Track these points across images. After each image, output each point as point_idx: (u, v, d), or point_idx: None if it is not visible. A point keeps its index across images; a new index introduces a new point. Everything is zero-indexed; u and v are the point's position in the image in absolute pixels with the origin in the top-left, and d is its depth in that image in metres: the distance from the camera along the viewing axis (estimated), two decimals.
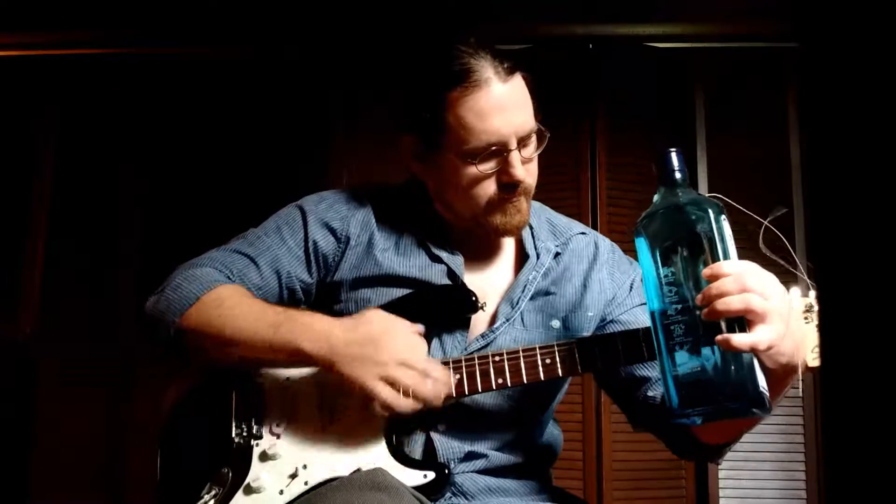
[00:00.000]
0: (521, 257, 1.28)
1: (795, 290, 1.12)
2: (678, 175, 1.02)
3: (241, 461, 1.13)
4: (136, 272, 2.91)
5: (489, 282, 1.26)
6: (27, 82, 3.11)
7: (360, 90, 2.93)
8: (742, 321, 0.93)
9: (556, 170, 2.76)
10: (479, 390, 1.13)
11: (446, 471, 1.12)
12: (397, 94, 1.29)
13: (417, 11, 2.81)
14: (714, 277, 0.94)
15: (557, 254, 1.29)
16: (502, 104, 1.14)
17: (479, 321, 1.23)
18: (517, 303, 1.23)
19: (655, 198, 1.04)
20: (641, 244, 1.02)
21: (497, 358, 1.13)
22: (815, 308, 1.11)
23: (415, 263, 1.24)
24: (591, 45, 2.92)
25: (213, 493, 1.11)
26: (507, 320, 1.22)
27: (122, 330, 2.82)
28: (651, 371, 1.21)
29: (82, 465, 2.80)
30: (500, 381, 1.12)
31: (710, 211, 0.98)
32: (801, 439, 2.62)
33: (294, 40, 3.03)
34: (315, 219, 1.26)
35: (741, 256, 0.99)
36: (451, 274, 1.23)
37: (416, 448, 1.16)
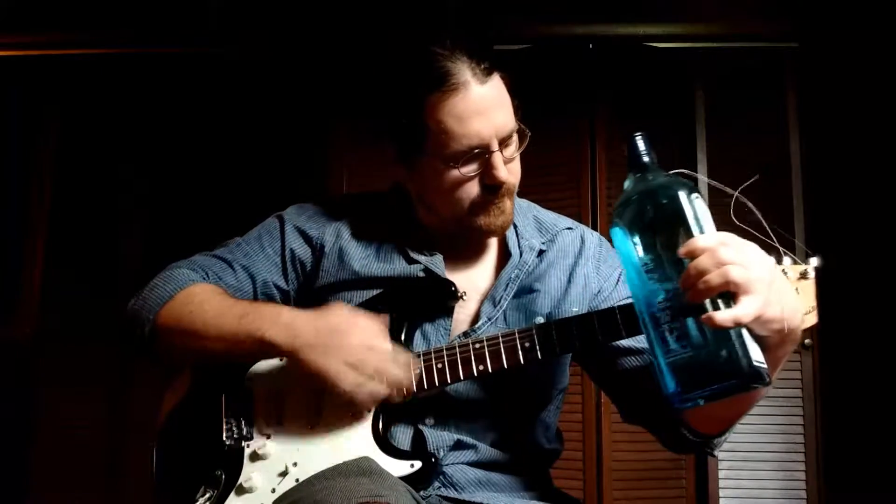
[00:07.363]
0: (505, 256, 1.28)
1: (786, 259, 1.13)
2: (646, 158, 1.00)
3: (233, 462, 1.14)
4: (136, 272, 2.91)
5: (471, 281, 1.27)
6: (27, 82, 3.11)
7: (360, 90, 2.93)
8: (727, 296, 0.91)
9: (556, 169, 2.76)
10: (462, 378, 1.13)
11: (433, 460, 1.12)
12: (377, 100, 1.28)
13: (400, 14, 2.80)
14: (691, 255, 0.92)
15: (542, 251, 1.29)
16: (482, 106, 1.13)
17: (462, 320, 1.24)
18: (499, 301, 1.24)
19: (626, 184, 1.01)
20: (618, 234, 0.99)
21: (477, 345, 1.13)
22: (790, 274, 1.11)
23: (393, 266, 1.25)
24: (591, 45, 2.92)
25: (207, 495, 1.12)
26: (490, 319, 1.22)
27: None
28: (643, 362, 1.20)
29: (82, 465, 2.80)
30: (480, 367, 1.12)
31: (680, 191, 0.96)
32: (801, 439, 2.61)
33: (295, 40, 3.03)
34: (292, 227, 1.30)
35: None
36: (429, 273, 1.24)
37: (404, 441, 1.17)
